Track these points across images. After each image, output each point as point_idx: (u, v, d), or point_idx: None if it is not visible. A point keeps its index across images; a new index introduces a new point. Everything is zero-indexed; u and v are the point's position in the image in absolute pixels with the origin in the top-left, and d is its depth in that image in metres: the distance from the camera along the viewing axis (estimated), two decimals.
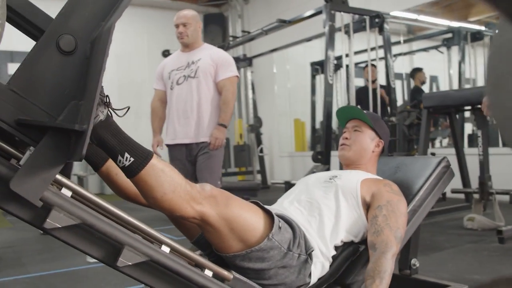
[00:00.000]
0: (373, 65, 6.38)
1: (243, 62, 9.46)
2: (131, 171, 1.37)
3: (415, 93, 7.37)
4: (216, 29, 10.58)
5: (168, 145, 3.81)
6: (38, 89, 1.16)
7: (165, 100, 3.86)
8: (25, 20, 1.22)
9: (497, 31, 0.45)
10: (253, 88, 9.70)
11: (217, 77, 3.68)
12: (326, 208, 1.90)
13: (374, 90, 6.21)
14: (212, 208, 1.50)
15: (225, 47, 8.52)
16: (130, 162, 1.35)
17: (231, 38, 9.13)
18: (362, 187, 1.95)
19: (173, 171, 1.45)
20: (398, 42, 8.18)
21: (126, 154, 1.35)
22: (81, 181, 8.27)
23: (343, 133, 2.25)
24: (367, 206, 1.92)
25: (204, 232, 1.60)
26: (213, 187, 1.55)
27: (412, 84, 7.83)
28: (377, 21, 6.07)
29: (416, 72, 7.73)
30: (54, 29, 1.18)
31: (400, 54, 8.14)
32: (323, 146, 5.88)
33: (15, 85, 1.15)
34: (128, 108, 1.40)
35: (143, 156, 1.37)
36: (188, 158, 3.70)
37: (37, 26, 1.22)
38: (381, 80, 6.51)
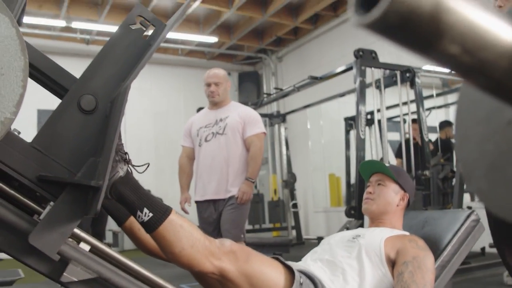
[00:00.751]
0: (414, 120, 6.34)
1: (277, 118, 9.55)
2: (150, 226, 1.39)
3: (444, 145, 7.26)
4: (250, 87, 10.79)
5: (196, 202, 3.84)
6: (59, 146, 1.22)
7: (193, 157, 3.92)
8: (49, 79, 1.29)
9: (461, 85, 0.47)
10: (287, 144, 9.73)
11: (245, 133, 3.73)
12: (349, 268, 1.87)
13: (416, 144, 6.17)
14: (231, 264, 1.50)
15: (259, 104, 8.65)
16: (149, 217, 1.38)
17: (265, 95, 9.26)
18: (386, 245, 1.92)
19: (192, 227, 1.47)
20: (431, 96, 8.15)
21: (145, 210, 1.38)
22: (116, 236, 8.35)
23: (367, 187, 2.24)
24: (392, 264, 1.89)
25: None
26: (233, 242, 1.56)
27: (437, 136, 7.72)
28: (408, 75, 6.07)
29: (445, 125, 7.64)
30: (76, 89, 1.25)
31: (433, 108, 8.09)
32: (356, 201, 5.81)
33: (38, 143, 1.21)
34: (148, 165, 1.44)
35: (161, 211, 1.40)
36: (215, 213, 3.71)
37: (61, 85, 1.29)
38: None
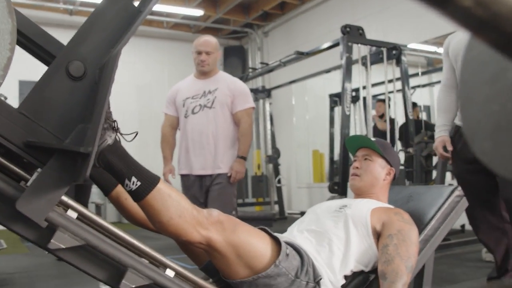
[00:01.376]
0: (381, 100, 6.39)
1: (262, 93, 9.54)
2: (138, 195, 1.39)
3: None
4: (236, 61, 10.72)
5: (182, 175, 3.74)
6: (47, 112, 1.20)
7: (176, 126, 3.81)
8: (37, 45, 1.26)
9: (466, 47, 0.47)
10: (271, 120, 9.74)
11: (234, 108, 3.64)
12: (336, 238, 1.88)
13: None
14: (218, 234, 1.50)
15: (244, 78, 8.59)
16: (137, 186, 1.37)
17: (250, 70, 9.21)
18: (373, 216, 1.93)
19: (180, 196, 1.46)
20: (417, 74, 8.18)
21: (133, 178, 1.37)
22: (98, 209, 8.33)
23: (353, 162, 2.25)
24: (377, 235, 1.91)
25: (211, 258, 1.60)
26: (220, 212, 1.56)
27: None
28: (394, 53, 6.07)
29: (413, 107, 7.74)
30: (64, 55, 1.23)
31: (418, 86, 8.13)
32: (340, 177, 5.85)
33: (25, 108, 1.19)
34: (136, 133, 1.43)
35: (150, 180, 1.39)
36: (201, 189, 3.62)
37: (48, 51, 1.27)
38: (400, 111, 6.49)
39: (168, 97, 3.85)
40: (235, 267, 1.57)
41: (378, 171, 2.17)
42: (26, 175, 1.22)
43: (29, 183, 1.17)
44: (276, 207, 9.63)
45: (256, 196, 9.73)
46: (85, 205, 6.08)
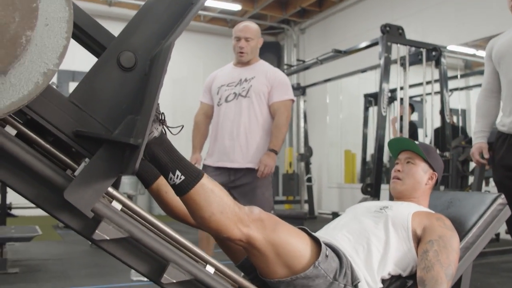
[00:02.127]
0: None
1: (297, 91, 9.49)
2: (181, 189, 1.38)
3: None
4: (271, 57, 10.70)
5: (207, 165, 3.47)
6: (97, 102, 1.20)
7: (211, 115, 3.60)
8: (88, 36, 1.26)
9: None
10: (305, 117, 9.69)
11: (271, 99, 3.39)
12: (375, 238, 1.85)
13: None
14: (259, 232, 1.49)
15: None
16: (181, 180, 1.36)
17: (285, 67, 9.19)
18: (414, 220, 1.89)
19: (223, 192, 1.45)
20: (455, 77, 8.03)
21: (178, 172, 1.36)
22: (130, 200, 8.43)
23: (395, 165, 2.21)
24: (417, 240, 1.87)
25: (250, 256, 1.59)
26: (261, 210, 1.55)
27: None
28: (434, 54, 6.00)
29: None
30: (116, 46, 1.22)
31: (456, 89, 7.98)
32: (373, 179, 5.79)
33: (76, 98, 1.19)
34: (182, 127, 1.42)
35: (194, 175, 1.38)
36: (229, 184, 3.32)
37: (99, 42, 1.26)
38: (437, 114, 6.38)
39: (205, 84, 3.66)
40: (274, 266, 1.55)
41: (421, 175, 2.12)
42: (73, 164, 1.22)
43: (76, 173, 1.17)
44: (306, 206, 9.60)
45: (287, 194, 9.70)
46: None
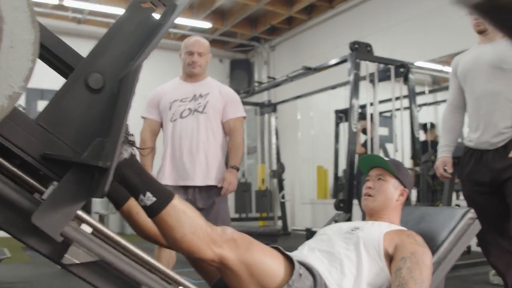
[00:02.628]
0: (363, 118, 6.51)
1: (268, 107, 9.52)
2: (153, 211, 1.37)
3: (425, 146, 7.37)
4: (242, 74, 10.76)
5: (165, 185, 3.32)
6: (65, 124, 1.19)
7: (157, 131, 3.44)
8: (55, 57, 1.24)
9: None
10: (276, 134, 9.71)
11: (226, 115, 3.36)
12: (347, 260, 1.86)
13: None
14: (232, 252, 1.48)
15: (251, 92, 8.60)
16: (152, 201, 1.35)
17: (256, 84, 9.22)
18: (385, 239, 1.91)
19: (194, 213, 1.44)
20: (423, 92, 8.17)
21: (148, 194, 1.35)
22: (102, 219, 8.31)
23: (366, 181, 2.23)
24: (390, 258, 1.89)
25: (223, 276, 1.58)
26: (234, 230, 1.54)
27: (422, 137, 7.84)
28: (402, 70, 6.06)
29: (431, 128, 7.75)
30: (83, 67, 1.21)
31: (425, 104, 8.11)
32: (345, 195, 5.81)
33: (43, 120, 1.18)
34: (152, 148, 1.42)
35: (165, 196, 1.37)
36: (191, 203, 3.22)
37: (67, 63, 1.25)
38: (406, 129, 6.45)
39: (150, 99, 3.47)
40: (248, 286, 1.54)
41: (391, 191, 2.15)
42: (41, 187, 1.20)
43: (44, 196, 1.15)
44: (280, 223, 9.58)
45: (260, 211, 9.67)
46: (88, 213, 6.06)
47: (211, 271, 1.77)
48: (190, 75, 3.39)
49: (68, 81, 1.20)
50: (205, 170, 3.26)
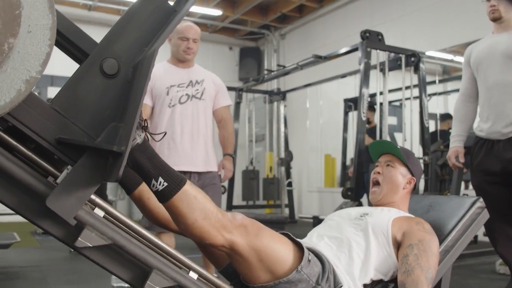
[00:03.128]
0: (372, 107, 6.63)
1: (277, 95, 9.51)
2: (164, 196, 1.38)
3: (445, 135, 7.30)
4: (251, 62, 10.74)
5: None
6: (79, 109, 1.20)
7: (149, 117, 3.37)
8: (71, 43, 1.25)
9: None
10: (285, 122, 9.71)
11: (218, 103, 3.41)
12: (356, 245, 1.87)
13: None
14: (242, 238, 1.49)
15: (260, 80, 8.59)
16: (164, 186, 1.36)
17: (266, 72, 9.20)
18: (394, 226, 1.92)
19: (206, 198, 1.45)
20: (433, 82, 8.11)
21: (160, 179, 1.36)
22: (110, 205, 8.37)
23: (375, 167, 2.23)
24: (397, 245, 1.90)
25: (233, 261, 1.59)
26: (244, 216, 1.55)
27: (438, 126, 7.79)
28: (412, 60, 6.04)
29: (445, 117, 7.66)
30: (99, 53, 1.22)
31: (434, 94, 8.07)
32: (353, 183, 5.82)
33: (58, 105, 1.19)
34: (165, 134, 1.42)
35: (176, 182, 1.38)
36: None
37: (81, 49, 1.26)
38: (415, 119, 6.44)
39: None
40: (257, 271, 1.56)
41: (399, 178, 2.15)
42: (55, 171, 1.22)
43: (59, 180, 1.16)
44: (286, 210, 9.62)
45: (267, 199, 9.71)
46: (104, 198, 6.10)
47: (220, 256, 1.79)
48: (183, 61, 3.36)
49: (83, 66, 1.21)
50: (205, 156, 3.30)
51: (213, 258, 1.85)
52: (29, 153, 1.21)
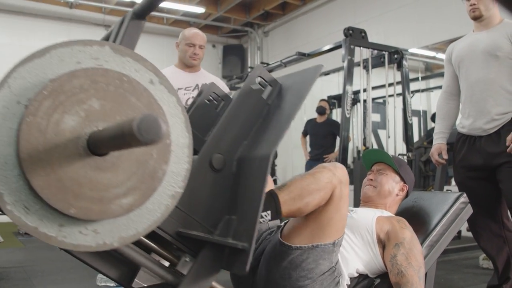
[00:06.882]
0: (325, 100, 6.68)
1: None
2: (278, 217, 1.53)
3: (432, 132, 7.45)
4: (235, 60, 10.71)
5: None
6: (195, 203, 1.31)
7: None
8: None
9: None
10: None
11: None
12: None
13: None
14: (338, 186, 1.64)
15: (244, 77, 8.60)
16: (270, 215, 1.51)
17: (249, 69, 9.25)
18: (378, 223, 2.00)
19: (295, 183, 1.61)
20: (416, 79, 8.26)
21: (264, 213, 1.50)
22: None
23: (368, 175, 2.32)
24: (382, 244, 1.97)
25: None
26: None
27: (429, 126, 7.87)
28: (396, 57, 6.05)
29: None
30: (208, 150, 1.34)
31: (417, 91, 8.21)
32: None
33: None
34: None
35: (272, 206, 1.53)
36: None
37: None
38: (399, 116, 6.49)
39: None
40: (305, 230, 1.68)
41: (392, 185, 2.25)
42: (172, 258, 1.33)
43: (178, 268, 1.28)
44: None
45: None
46: None
47: None
48: (189, 66, 3.55)
49: (195, 163, 1.32)
50: None
51: None
52: (149, 243, 1.33)
